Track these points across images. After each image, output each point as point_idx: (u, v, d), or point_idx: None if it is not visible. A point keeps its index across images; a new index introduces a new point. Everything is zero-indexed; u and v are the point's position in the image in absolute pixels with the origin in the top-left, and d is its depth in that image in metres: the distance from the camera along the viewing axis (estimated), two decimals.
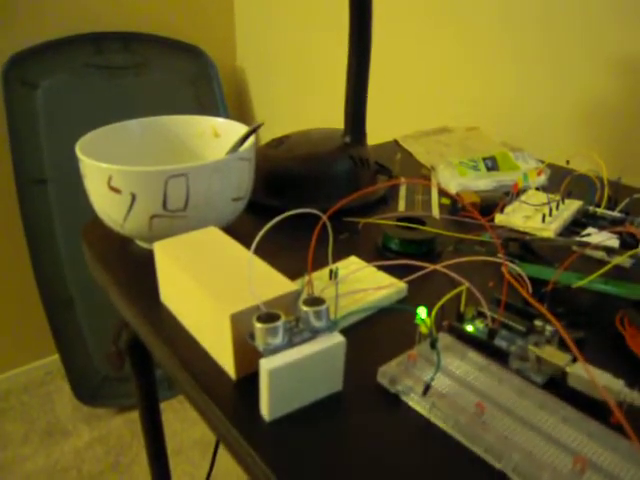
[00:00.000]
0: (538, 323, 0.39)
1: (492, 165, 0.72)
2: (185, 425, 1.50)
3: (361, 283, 0.46)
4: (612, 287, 0.45)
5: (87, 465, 1.38)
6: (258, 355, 0.33)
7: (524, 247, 0.52)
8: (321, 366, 0.35)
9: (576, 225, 0.58)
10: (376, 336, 0.42)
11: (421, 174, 0.76)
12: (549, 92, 0.86)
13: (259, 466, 0.32)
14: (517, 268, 0.44)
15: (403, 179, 0.72)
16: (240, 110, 1.68)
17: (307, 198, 0.63)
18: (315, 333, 0.34)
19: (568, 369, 0.35)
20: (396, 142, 0.89)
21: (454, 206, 0.64)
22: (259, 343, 0.33)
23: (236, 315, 0.35)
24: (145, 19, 1.45)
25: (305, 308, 0.34)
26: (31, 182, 1.32)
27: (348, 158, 0.65)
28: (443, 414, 0.33)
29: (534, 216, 0.59)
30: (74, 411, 1.54)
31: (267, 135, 0.71)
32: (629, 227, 0.52)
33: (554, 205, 0.60)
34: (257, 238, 0.35)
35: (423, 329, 0.37)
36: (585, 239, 0.53)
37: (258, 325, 0.33)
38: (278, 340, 0.33)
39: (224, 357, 0.38)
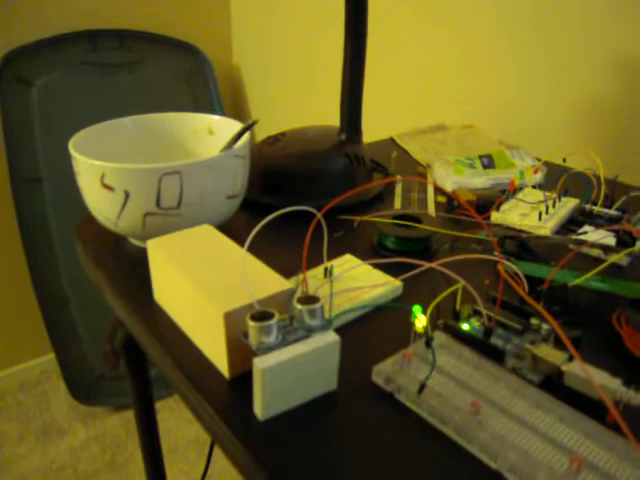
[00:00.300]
0: (534, 321, 0.38)
1: (488, 163, 0.72)
2: (181, 424, 1.49)
3: (356, 281, 0.46)
4: (609, 285, 0.45)
5: (83, 464, 1.38)
6: (252, 354, 0.33)
7: (520, 245, 0.51)
8: (315, 365, 0.34)
9: (573, 223, 0.58)
10: (371, 335, 0.42)
11: (417, 172, 0.76)
12: (546, 90, 0.86)
13: (252, 465, 0.32)
14: (513, 266, 0.43)
15: (399, 177, 0.72)
16: (236, 108, 1.68)
17: (302, 196, 0.62)
18: (309, 332, 0.34)
19: (564, 368, 0.35)
20: (392, 140, 0.89)
21: (450, 204, 0.64)
22: (253, 342, 0.33)
23: (230, 313, 0.35)
24: (141, 16, 1.44)
25: (299, 306, 0.34)
26: (26, 180, 1.31)
27: (344, 156, 0.65)
28: (438, 413, 0.33)
29: (530, 214, 0.59)
30: (70, 410, 1.53)
31: (263, 134, 0.70)
32: (626, 225, 0.52)
33: (550, 203, 0.60)
34: (251, 235, 0.35)
35: (418, 328, 0.37)
36: (582, 237, 0.53)
37: (252, 324, 0.33)
38: (272, 339, 0.33)
39: (217, 356, 0.38)
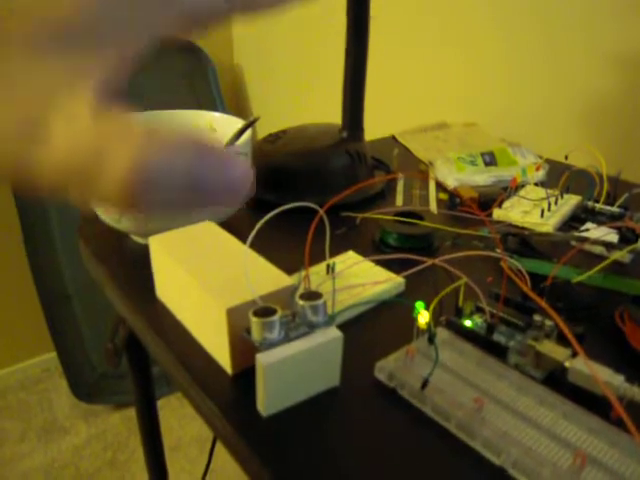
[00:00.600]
0: (537, 318, 0.38)
1: (490, 160, 0.72)
2: (183, 421, 1.49)
3: (358, 278, 0.46)
4: (611, 282, 0.45)
5: (85, 462, 1.38)
6: (254, 350, 0.33)
7: (522, 242, 0.51)
8: (318, 361, 0.34)
9: (575, 220, 0.58)
10: (373, 331, 0.42)
11: (419, 170, 0.75)
12: (548, 87, 0.86)
13: (255, 461, 0.32)
14: (516, 263, 0.43)
15: (401, 174, 0.72)
16: (237, 107, 1.68)
17: (304, 193, 0.62)
18: (312, 328, 0.34)
19: (567, 364, 0.35)
20: (394, 138, 0.89)
21: (452, 201, 0.63)
22: (255, 338, 0.33)
23: (232, 310, 0.35)
24: None
25: (302, 303, 0.34)
26: None
27: (345, 153, 0.65)
28: (441, 409, 0.33)
29: (533, 211, 0.59)
30: (71, 408, 1.53)
31: (264, 132, 0.70)
32: (628, 222, 0.52)
33: (553, 200, 0.59)
34: (253, 232, 0.35)
35: (421, 324, 0.37)
36: (584, 234, 0.53)
37: (254, 320, 0.33)
38: (275, 335, 0.33)
39: (220, 352, 0.38)
